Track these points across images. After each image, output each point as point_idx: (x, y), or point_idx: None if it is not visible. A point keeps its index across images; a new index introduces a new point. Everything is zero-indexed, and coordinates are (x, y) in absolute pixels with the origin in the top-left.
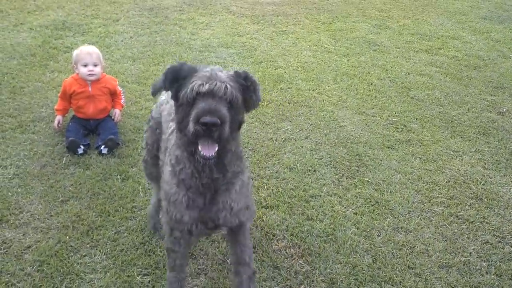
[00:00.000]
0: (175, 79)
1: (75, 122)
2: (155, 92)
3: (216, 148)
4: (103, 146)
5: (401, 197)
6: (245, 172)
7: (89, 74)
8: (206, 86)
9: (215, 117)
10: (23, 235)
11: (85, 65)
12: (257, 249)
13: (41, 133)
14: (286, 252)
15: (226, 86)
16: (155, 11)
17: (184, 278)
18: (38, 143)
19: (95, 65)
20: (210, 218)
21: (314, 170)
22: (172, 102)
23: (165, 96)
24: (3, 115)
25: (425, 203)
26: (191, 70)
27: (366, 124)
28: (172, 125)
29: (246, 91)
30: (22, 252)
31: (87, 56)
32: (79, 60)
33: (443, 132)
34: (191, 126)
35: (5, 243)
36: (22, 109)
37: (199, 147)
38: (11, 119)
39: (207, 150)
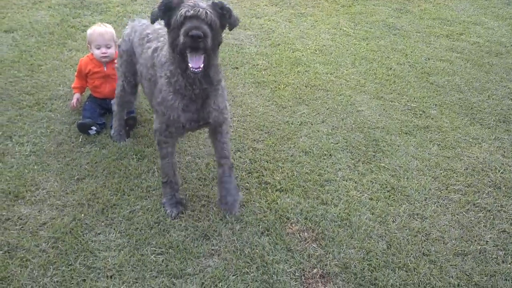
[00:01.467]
0: (167, 9)
1: (91, 102)
2: (154, 20)
3: (202, 62)
4: None
5: (417, 183)
6: (222, 79)
7: (103, 56)
8: (192, 11)
9: (199, 31)
10: (39, 211)
11: (98, 47)
12: (271, 232)
13: (58, 111)
14: (299, 235)
15: (206, 11)
16: None
17: (175, 163)
18: (55, 121)
19: (108, 47)
20: (202, 118)
21: (330, 155)
22: (139, 30)
23: (128, 28)
24: (20, 92)
25: (442, 190)
26: (179, 1)
27: (384, 109)
28: (152, 45)
29: (223, 18)
30: (37, 229)
31: (100, 38)
32: (92, 41)
33: (462, 119)
34: (181, 39)
35: (21, 219)
36: (40, 87)
37: (189, 63)
38: (29, 96)
39: (195, 63)
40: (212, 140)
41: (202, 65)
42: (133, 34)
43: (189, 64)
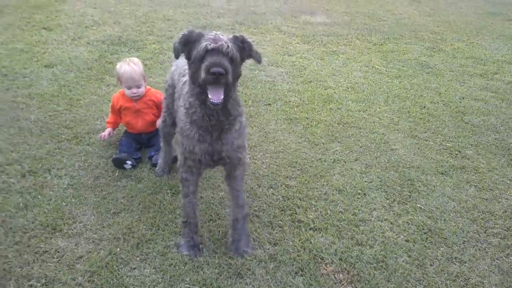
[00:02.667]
0: (187, 42)
1: (127, 137)
2: (177, 55)
3: (222, 96)
4: (160, 159)
5: (455, 226)
6: (242, 115)
7: (133, 96)
8: (213, 45)
9: (221, 67)
10: (76, 245)
11: (129, 88)
12: (305, 272)
13: (95, 145)
14: (334, 277)
15: (228, 45)
16: (208, 29)
17: (196, 203)
18: (93, 155)
19: (139, 87)
20: (216, 151)
21: (364, 194)
22: (180, 67)
23: (174, 66)
24: (59, 126)
25: (481, 233)
26: (199, 34)
27: (418, 148)
28: (184, 79)
29: (243, 51)
30: (74, 262)
31: (130, 80)
32: (122, 82)
33: (499, 160)
34: (203, 76)
35: (58, 252)
36: (78, 121)
37: (209, 95)
38: (67, 130)
39: (216, 97)
40: (227, 185)
41: (222, 98)
42: (174, 71)
43: (209, 97)
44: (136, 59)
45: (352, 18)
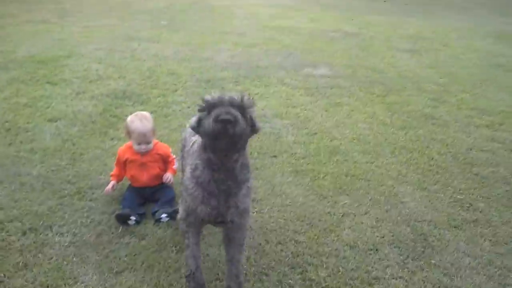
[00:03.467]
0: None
1: (131, 192)
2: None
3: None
4: (165, 215)
5: (472, 283)
6: (250, 179)
7: (142, 151)
8: (216, 97)
9: (229, 116)
10: None
11: (139, 143)
12: None
13: (98, 200)
14: None
15: (235, 97)
16: (212, 82)
17: (199, 256)
18: (95, 211)
19: (148, 143)
20: (220, 214)
21: (377, 250)
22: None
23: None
24: (62, 181)
25: None
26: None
27: (429, 201)
28: (193, 138)
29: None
30: None
31: (141, 137)
32: (132, 138)
33: None
34: (211, 125)
35: None
36: (81, 175)
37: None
38: (70, 185)
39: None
40: (225, 249)
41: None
42: (187, 130)
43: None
44: (147, 114)
45: (354, 71)
